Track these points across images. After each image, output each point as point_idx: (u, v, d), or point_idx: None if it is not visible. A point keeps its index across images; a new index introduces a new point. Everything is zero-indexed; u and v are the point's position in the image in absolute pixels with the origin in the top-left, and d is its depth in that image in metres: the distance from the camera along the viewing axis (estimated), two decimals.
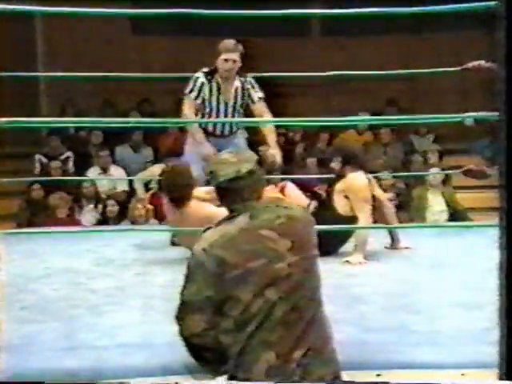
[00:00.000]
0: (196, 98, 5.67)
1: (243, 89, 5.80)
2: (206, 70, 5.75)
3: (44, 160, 9.60)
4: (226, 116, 5.80)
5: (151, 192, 8.96)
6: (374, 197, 5.50)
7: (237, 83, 5.79)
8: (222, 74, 5.70)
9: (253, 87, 5.85)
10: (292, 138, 10.33)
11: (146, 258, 5.50)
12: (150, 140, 10.17)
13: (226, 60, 5.71)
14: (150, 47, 10.96)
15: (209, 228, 2.73)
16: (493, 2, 2.68)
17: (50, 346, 3.45)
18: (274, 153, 5.88)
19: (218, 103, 5.76)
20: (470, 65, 4.86)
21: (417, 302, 4.08)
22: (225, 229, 2.66)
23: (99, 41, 10.66)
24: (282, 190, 5.60)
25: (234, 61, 5.73)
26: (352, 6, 3.86)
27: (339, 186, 5.47)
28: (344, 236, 5.44)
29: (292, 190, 5.63)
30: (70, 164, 9.69)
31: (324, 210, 5.38)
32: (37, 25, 10.89)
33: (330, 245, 5.24)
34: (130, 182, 9.39)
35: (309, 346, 2.55)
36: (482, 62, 4.78)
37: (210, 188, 5.40)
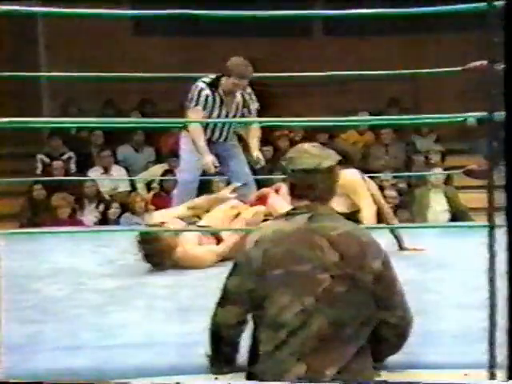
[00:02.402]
0: (202, 110, 5.71)
1: (244, 101, 5.86)
2: (207, 80, 5.76)
3: (46, 160, 9.61)
4: (227, 127, 5.91)
5: (153, 192, 8.99)
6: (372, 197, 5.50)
7: (238, 96, 5.83)
8: (228, 90, 5.74)
9: (251, 98, 5.95)
10: (293, 138, 10.32)
11: None
12: (151, 140, 10.18)
13: (235, 85, 5.73)
14: (150, 48, 10.96)
15: (267, 220, 2.71)
16: (496, 2, 2.68)
17: (53, 345, 3.45)
18: (258, 154, 5.89)
19: (220, 115, 5.83)
20: (472, 65, 4.86)
21: (418, 302, 4.07)
22: (280, 225, 2.60)
23: (100, 41, 10.66)
24: (277, 191, 5.61)
25: (244, 85, 5.76)
26: (354, 7, 3.86)
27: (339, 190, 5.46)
28: None
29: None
30: (72, 164, 9.70)
31: None
32: (38, 25, 10.89)
33: None
34: (132, 182, 9.41)
35: (344, 365, 2.48)
36: (484, 63, 4.78)
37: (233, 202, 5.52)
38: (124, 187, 9.49)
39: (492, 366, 2.88)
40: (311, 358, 2.48)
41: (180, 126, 6.16)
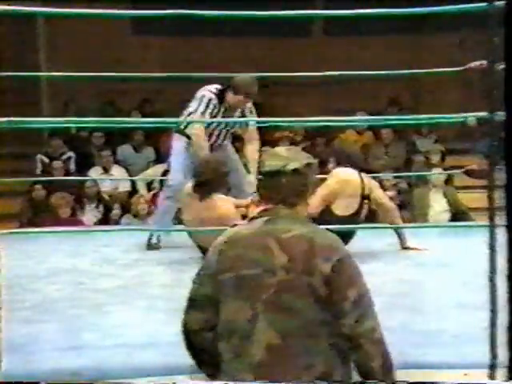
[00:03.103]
0: (210, 117, 5.78)
1: (243, 116, 5.91)
2: (214, 90, 5.80)
3: (46, 160, 9.60)
4: (225, 136, 5.98)
5: (153, 192, 8.99)
6: (368, 197, 5.49)
7: (239, 110, 5.90)
8: (232, 106, 5.82)
9: (251, 112, 5.98)
10: (293, 138, 10.32)
11: (149, 257, 5.50)
12: (151, 140, 10.17)
13: (242, 102, 5.80)
14: (150, 47, 10.97)
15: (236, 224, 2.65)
16: (497, 3, 2.68)
17: (53, 345, 3.46)
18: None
19: (219, 127, 5.92)
20: (472, 65, 4.86)
21: (419, 301, 4.08)
22: (241, 228, 2.55)
23: (100, 41, 10.67)
24: None
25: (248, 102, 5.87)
26: (353, 7, 3.86)
27: (331, 186, 5.46)
28: (344, 237, 5.42)
29: None
30: (72, 164, 9.70)
31: (324, 214, 5.36)
32: (38, 25, 10.89)
33: None
34: (132, 182, 9.41)
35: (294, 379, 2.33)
36: (484, 62, 4.78)
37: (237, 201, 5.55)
38: (124, 187, 9.49)
39: (493, 366, 2.89)
40: (259, 370, 2.35)
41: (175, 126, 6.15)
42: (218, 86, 5.83)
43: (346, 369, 2.42)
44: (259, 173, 2.59)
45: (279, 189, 2.52)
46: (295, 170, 2.52)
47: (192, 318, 2.56)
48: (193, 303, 2.59)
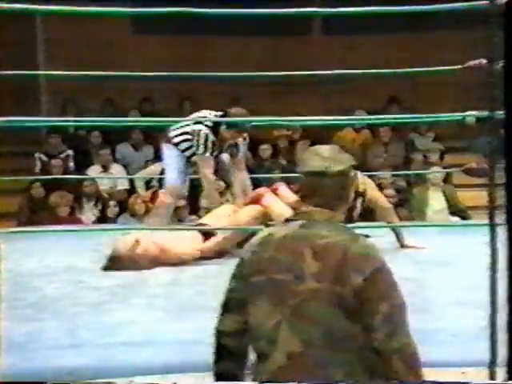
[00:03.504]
0: (210, 154, 5.91)
1: (236, 145, 6.07)
2: (209, 124, 5.89)
3: (44, 158, 9.59)
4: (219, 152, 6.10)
5: (152, 190, 8.98)
6: (362, 195, 5.49)
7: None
8: (226, 138, 5.96)
9: (244, 140, 6.14)
10: (291, 136, 10.32)
11: None
12: (150, 139, 10.17)
13: (235, 136, 5.94)
14: (149, 46, 10.96)
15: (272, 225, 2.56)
16: (498, 1, 2.68)
17: (52, 343, 3.46)
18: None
19: (218, 153, 6.06)
20: (471, 63, 4.86)
21: (418, 300, 4.08)
22: (276, 230, 2.46)
23: (99, 40, 10.66)
24: (274, 191, 5.63)
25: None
26: (353, 5, 3.86)
27: None
28: None
29: (284, 192, 5.66)
30: (71, 162, 9.69)
31: None
32: (37, 24, 10.88)
33: None
34: (131, 181, 9.41)
35: None
36: (483, 61, 4.78)
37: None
38: (123, 185, 9.49)
39: (492, 365, 2.89)
40: (278, 376, 2.30)
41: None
42: (212, 117, 5.88)
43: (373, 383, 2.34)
44: (301, 172, 2.48)
45: (321, 191, 2.43)
46: (339, 172, 2.43)
47: (226, 320, 2.50)
48: (227, 304, 2.50)
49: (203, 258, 5.28)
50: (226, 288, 2.48)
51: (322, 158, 2.45)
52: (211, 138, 5.86)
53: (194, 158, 6.00)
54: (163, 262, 5.13)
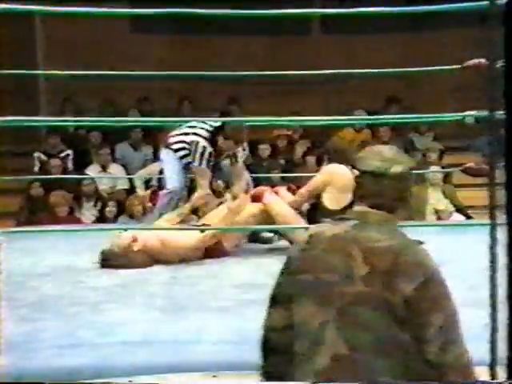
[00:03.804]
0: (206, 165, 5.92)
1: (234, 154, 6.09)
2: (206, 135, 5.91)
3: (43, 158, 9.59)
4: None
5: (151, 190, 8.98)
6: None
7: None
8: (223, 150, 5.98)
9: (244, 150, 6.22)
10: (291, 136, 10.32)
11: None
12: (149, 138, 10.17)
13: (232, 148, 5.97)
14: (148, 46, 10.96)
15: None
16: (498, 1, 2.68)
17: (51, 343, 3.45)
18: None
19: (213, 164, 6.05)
20: (470, 63, 4.86)
21: None
22: (326, 228, 2.41)
23: (98, 39, 10.65)
24: (276, 192, 5.64)
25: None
26: (352, 5, 3.86)
27: (320, 178, 5.50)
28: None
29: (284, 194, 5.67)
30: (70, 162, 9.69)
31: (315, 209, 5.40)
32: (36, 24, 10.88)
33: None
34: (130, 180, 9.40)
35: None
36: (483, 60, 4.78)
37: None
38: (122, 185, 9.48)
39: (493, 364, 2.88)
40: (321, 378, 2.27)
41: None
42: (209, 128, 5.87)
43: None
44: (359, 170, 2.43)
45: (378, 192, 2.38)
46: (399, 174, 2.37)
47: (274, 316, 2.45)
48: (274, 299, 2.46)
49: (205, 255, 5.26)
50: (274, 283, 2.46)
51: (382, 158, 2.40)
52: (208, 150, 5.87)
53: (191, 166, 6.00)
54: (162, 259, 5.12)
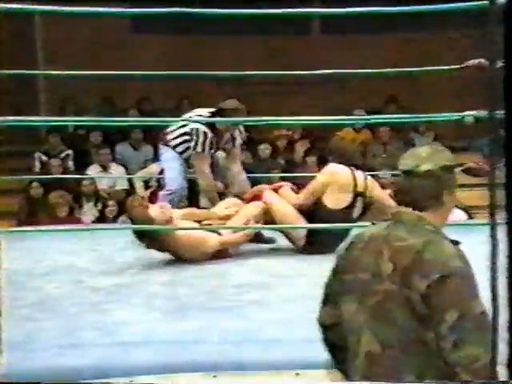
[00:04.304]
0: (208, 152, 5.90)
1: (233, 137, 6.04)
2: (203, 118, 5.87)
3: (44, 158, 9.60)
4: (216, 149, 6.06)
5: (151, 190, 8.98)
6: (362, 194, 5.48)
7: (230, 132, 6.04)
8: (224, 130, 5.94)
9: (240, 133, 6.15)
10: (291, 136, 10.33)
11: (147, 255, 5.49)
12: (149, 138, 10.17)
13: (231, 127, 5.94)
14: (149, 46, 10.95)
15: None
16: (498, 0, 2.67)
17: (51, 344, 3.45)
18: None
19: (214, 150, 6.03)
20: (470, 63, 4.86)
21: None
22: (367, 229, 2.48)
23: (98, 39, 10.66)
24: (276, 190, 5.64)
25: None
26: (352, 5, 3.86)
27: (320, 178, 5.50)
28: (341, 233, 5.41)
29: (286, 191, 5.66)
30: (70, 162, 9.69)
31: (315, 207, 5.40)
32: (36, 23, 10.88)
33: (327, 242, 5.25)
34: (130, 180, 9.40)
35: None
36: (482, 60, 4.78)
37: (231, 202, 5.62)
38: (122, 185, 9.49)
39: (493, 364, 2.88)
40: (358, 375, 2.34)
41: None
42: (207, 113, 5.88)
43: None
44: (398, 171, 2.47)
45: (409, 190, 2.39)
46: (427, 172, 2.38)
47: (325, 313, 2.54)
48: (326, 297, 2.54)
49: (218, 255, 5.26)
50: (326, 280, 2.54)
51: (416, 156, 2.42)
52: (209, 135, 5.85)
53: (191, 158, 5.98)
54: (188, 256, 5.13)
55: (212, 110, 5.93)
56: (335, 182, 5.41)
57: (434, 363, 2.26)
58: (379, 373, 2.30)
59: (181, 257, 5.15)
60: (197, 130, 5.84)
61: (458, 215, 8.53)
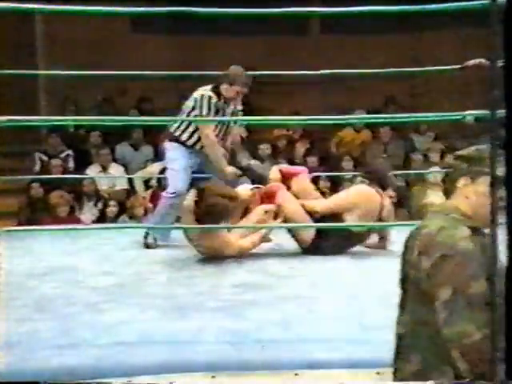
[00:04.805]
0: (213, 116, 5.78)
1: (234, 113, 5.95)
2: (210, 89, 5.79)
3: (44, 158, 9.59)
4: (224, 135, 5.98)
5: (151, 190, 8.98)
6: (381, 220, 5.47)
7: (232, 107, 5.93)
8: (230, 98, 5.83)
9: (240, 110, 6.05)
10: (291, 136, 10.33)
11: (146, 255, 5.50)
12: (150, 138, 10.16)
13: (239, 92, 5.82)
14: (149, 45, 10.96)
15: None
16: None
17: (49, 343, 3.45)
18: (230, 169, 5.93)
19: (217, 125, 5.93)
20: (470, 63, 4.86)
21: None
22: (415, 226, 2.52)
23: (98, 39, 10.66)
24: (293, 175, 5.62)
25: (244, 93, 5.89)
26: (351, 5, 3.86)
27: (348, 197, 5.45)
28: (347, 236, 5.38)
29: (304, 180, 5.65)
30: (70, 162, 9.69)
31: (331, 219, 5.35)
32: (36, 22, 10.88)
33: (333, 246, 5.24)
34: (130, 180, 9.40)
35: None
36: (482, 60, 4.78)
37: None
38: (122, 185, 9.49)
39: (493, 364, 2.88)
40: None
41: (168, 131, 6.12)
42: (211, 85, 5.83)
43: (443, 371, 2.32)
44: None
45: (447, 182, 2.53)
46: (452, 162, 2.51)
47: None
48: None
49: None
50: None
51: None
52: (214, 100, 5.76)
53: (198, 123, 5.83)
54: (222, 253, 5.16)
55: (213, 84, 5.84)
56: (364, 205, 5.34)
57: (437, 342, 2.31)
58: (397, 356, 2.45)
59: (203, 254, 5.21)
60: (201, 95, 5.77)
61: None
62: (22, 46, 10.49)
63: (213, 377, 3.18)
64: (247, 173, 5.99)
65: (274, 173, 5.76)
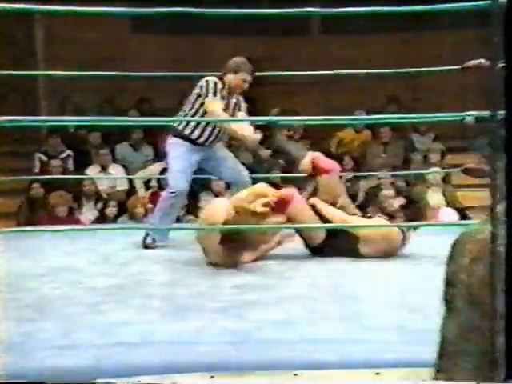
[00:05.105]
0: (220, 100, 5.67)
1: (237, 104, 5.85)
2: (215, 78, 5.71)
3: (44, 158, 9.59)
4: (217, 135, 5.85)
5: (151, 191, 8.99)
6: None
7: (235, 97, 5.83)
8: (233, 89, 5.74)
9: (242, 102, 5.92)
10: (291, 136, 10.32)
11: (146, 256, 5.49)
12: (150, 139, 10.16)
13: (244, 81, 5.71)
14: (149, 46, 10.96)
15: None
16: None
17: (49, 344, 3.45)
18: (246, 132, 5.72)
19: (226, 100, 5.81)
20: (470, 63, 4.86)
21: (416, 300, 4.08)
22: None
23: (98, 39, 10.65)
24: (287, 202, 5.44)
25: (250, 82, 5.76)
26: (352, 5, 3.85)
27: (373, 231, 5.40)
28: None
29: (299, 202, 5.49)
30: (70, 162, 9.69)
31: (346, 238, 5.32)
32: (36, 23, 10.88)
33: (340, 249, 5.24)
34: (130, 181, 9.40)
35: None
36: (483, 61, 4.78)
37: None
38: (122, 186, 9.49)
39: (494, 364, 2.88)
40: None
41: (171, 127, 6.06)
42: (214, 77, 5.76)
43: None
44: None
45: None
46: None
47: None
48: None
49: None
50: None
51: None
52: (219, 86, 5.66)
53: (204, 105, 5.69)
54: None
55: (215, 78, 5.78)
56: (382, 242, 5.30)
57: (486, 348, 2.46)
58: (442, 358, 2.56)
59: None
60: (207, 81, 5.72)
61: (447, 214, 8.53)
62: (22, 46, 10.49)
63: (212, 377, 3.18)
64: (281, 155, 5.90)
65: (305, 164, 5.60)
